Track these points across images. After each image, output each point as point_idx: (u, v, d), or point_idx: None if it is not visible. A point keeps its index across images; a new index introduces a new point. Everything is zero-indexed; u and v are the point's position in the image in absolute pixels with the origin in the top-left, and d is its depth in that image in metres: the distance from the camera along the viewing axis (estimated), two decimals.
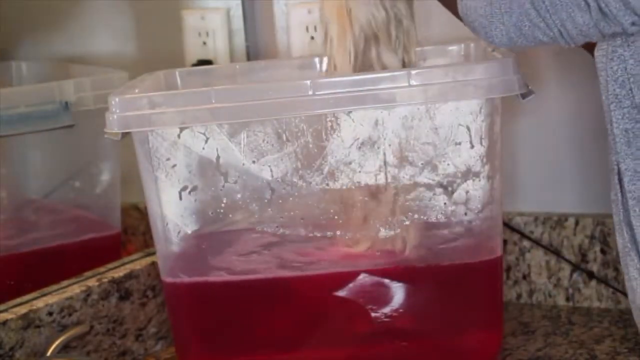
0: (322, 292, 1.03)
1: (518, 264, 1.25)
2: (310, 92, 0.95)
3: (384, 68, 1.04)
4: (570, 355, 1.09)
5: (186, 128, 0.99)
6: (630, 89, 0.88)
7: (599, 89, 0.90)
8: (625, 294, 1.19)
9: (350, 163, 1.00)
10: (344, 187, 1.01)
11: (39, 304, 1.03)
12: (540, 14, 0.84)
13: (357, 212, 1.02)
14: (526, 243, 1.24)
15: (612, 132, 0.91)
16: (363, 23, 1.05)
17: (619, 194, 0.92)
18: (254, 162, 1.00)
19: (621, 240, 0.93)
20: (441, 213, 1.01)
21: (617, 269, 1.20)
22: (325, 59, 1.20)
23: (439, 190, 1.01)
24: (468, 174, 1.00)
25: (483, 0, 0.86)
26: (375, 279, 1.02)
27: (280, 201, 1.02)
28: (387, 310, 1.02)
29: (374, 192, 1.01)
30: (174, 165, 1.01)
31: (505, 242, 1.23)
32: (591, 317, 1.20)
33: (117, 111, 0.97)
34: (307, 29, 1.31)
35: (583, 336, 1.14)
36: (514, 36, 0.86)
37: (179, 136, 1.00)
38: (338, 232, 1.02)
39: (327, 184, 1.01)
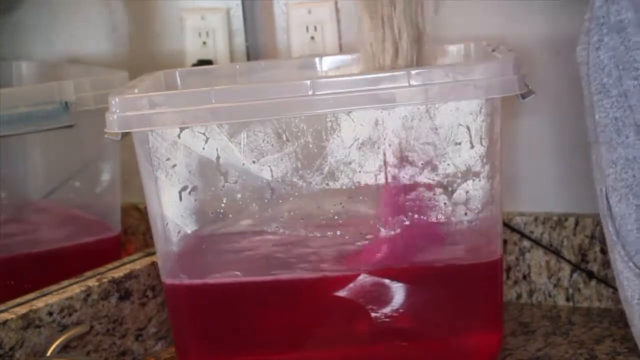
0: (323, 293, 1.03)
1: (518, 264, 1.25)
2: (310, 92, 0.95)
3: None
4: (570, 355, 1.09)
5: (186, 128, 0.99)
6: (619, 77, 0.87)
7: None
8: None
9: (350, 163, 1.00)
10: (344, 187, 1.01)
11: (39, 304, 1.03)
12: None
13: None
14: (526, 243, 1.24)
15: (597, 125, 0.90)
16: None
17: (603, 187, 0.92)
18: (254, 162, 1.00)
19: (607, 234, 0.93)
20: (441, 213, 1.01)
21: None
22: (324, 59, 1.20)
23: (439, 190, 1.01)
24: (468, 174, 1.00)
25: None
26: (376, 279, 1.02)
27: (280, 201, 1.02)
28: (387, 310, 1.02)
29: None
30: (174, 165, 1.01)
31: (505, 242, 1.23)
32: (591, 317, 1.20)
33: (117, 111, 0.97)
34: (307, 29, 1.31)
35: (583, 336, 1.14)
36: None
37: (179, 136, 1.00)
38: (338, 232, 1.03)
39: (327, 184, 1.01)
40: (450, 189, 1.00)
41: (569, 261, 1.22)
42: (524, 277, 1.25)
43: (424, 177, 1.00)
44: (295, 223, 1.03)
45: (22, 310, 1.01)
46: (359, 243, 1.03)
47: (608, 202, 0.93)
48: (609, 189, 0.93)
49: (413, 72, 0.95)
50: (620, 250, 0.93)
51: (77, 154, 1.32)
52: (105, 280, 1.10)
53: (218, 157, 1.00)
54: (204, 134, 0.99)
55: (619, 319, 1.18)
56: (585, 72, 0.89)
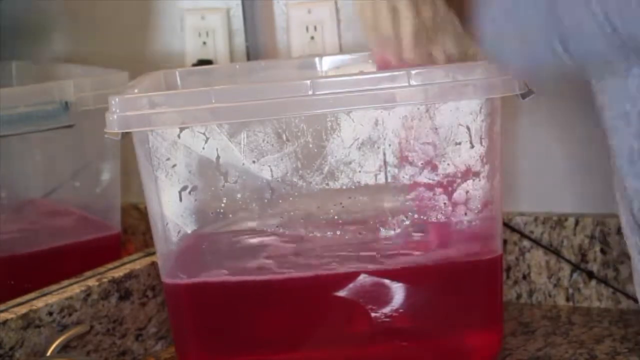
0: (322, 292, 1.03)
1: (518, 264, 1.25)
2: (310, 92, 0.95)
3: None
4: (570, 355, 1.09)
5: (186, 128, 0.99)
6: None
7: None
8: (625, 294, 1.19)
9: (350, 163, 1.00)
10: (344, 187, 1.01)
11: (39, 303, 1.03)
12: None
13: None
14: (526, 243, 1.24)
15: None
16: None
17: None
18: (254, 162, 1.00)
19: (628, 220, 0.90)
20: (441, 213, 1.01)
21: (617, 269, 1.20)
22: (324, 59, 1.20)
23: (439, 190, 1.01)
24: (468, 173, 1.00)
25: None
26: (375, 279, 1.02)
27: (280, 201, 1.02)
28: (387, 310, 1.02)
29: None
30: (174, 165, 1.01)
31: (505, 242, 1.23)
32: (591, 317, 1.20)
33: (117, 111, 0.97)
34: (307, 29, 1.31)
35: (583, 336, 1.14)
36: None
37: (179, 136, 1.00)
38: (338, 232, 1.03)
39: (327, 184, 1.01)
40: (450, 189, 1.00)
41: (569, 261, 1.22)
42: (524, 277, 1.25)
43: (424, 177, 1.00)
44: (295, 223, 1.03)
45: (22, 310, 1.01)
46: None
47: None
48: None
49: (413, 72, 0.95)
50: None
51: (77, 154, 1.32)
52: (105, 280, 1.10)
53: (218, 157, 1.00)
54: (204, 134, 0.99)
55: (619, 319, 1.18)
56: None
